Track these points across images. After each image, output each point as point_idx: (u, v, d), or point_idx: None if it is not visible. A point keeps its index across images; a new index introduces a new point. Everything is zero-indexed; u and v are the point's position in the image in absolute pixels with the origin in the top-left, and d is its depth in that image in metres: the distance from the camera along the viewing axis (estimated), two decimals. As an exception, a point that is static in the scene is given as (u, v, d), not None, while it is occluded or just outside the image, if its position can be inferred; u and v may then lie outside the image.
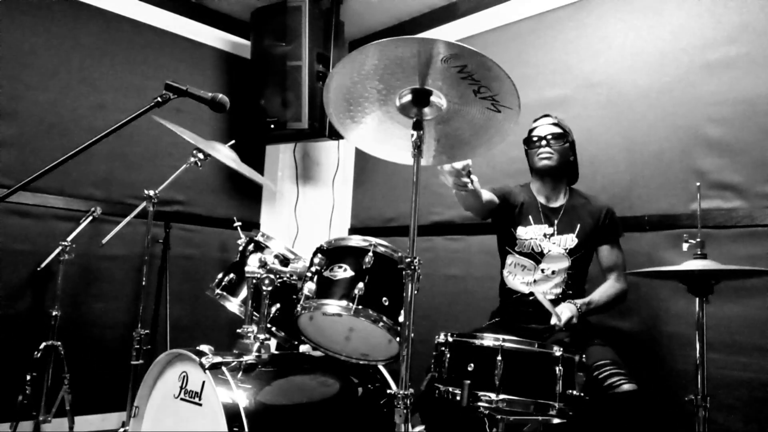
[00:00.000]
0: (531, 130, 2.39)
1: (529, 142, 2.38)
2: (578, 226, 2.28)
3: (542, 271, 2.28)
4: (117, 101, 3.23)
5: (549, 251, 2.28)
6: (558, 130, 2.33)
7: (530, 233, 2.32)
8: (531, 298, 2.24)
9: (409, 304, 1.48)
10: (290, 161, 4.09)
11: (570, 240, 2.27)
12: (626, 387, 1.85)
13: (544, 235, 2.30)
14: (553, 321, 1.99)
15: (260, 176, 2.68)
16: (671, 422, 2.30)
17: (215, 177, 3.66)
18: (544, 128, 2.35)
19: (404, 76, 1.54)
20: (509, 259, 2.37)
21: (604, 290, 2.23)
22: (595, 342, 2.10)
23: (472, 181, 2.00)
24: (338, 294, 1.88)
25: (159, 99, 1.67)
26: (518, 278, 2.32)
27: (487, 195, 2.30)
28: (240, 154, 2.65)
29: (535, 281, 2.28)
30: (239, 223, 2.54)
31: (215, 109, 1.84)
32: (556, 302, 2.18)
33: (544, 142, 2.32)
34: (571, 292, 2.25)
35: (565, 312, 2.01)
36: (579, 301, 2.11)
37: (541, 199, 2.38)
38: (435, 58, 1.45)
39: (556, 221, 2.31)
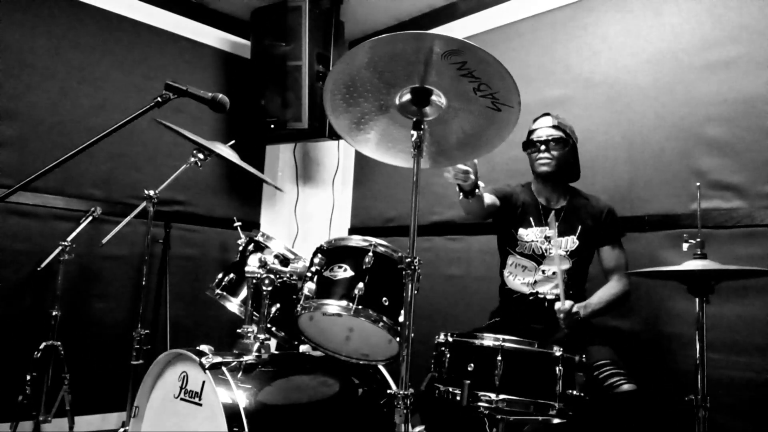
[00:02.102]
0: (530, 132, 2.37)
1: (529, 146, 2.35)
2: (579, 227, 2.28)
3: (543, 272, 2.28)
4: (117, 101, 3.23)
5: (550, 253, 2.27)
6: (558, 133, 2.30)
7: (531, 235, 2.31)
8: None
9: (409, 304, 1.48)
10: (290, 161, 4.09)
11: (571, 242, 2.27)
12: (626, 387, 1.85)
13: (545, 237, 2.29)
14: (557, 306, 1.98)
15: (264, 176, 2.69)
16: (671, 422, 2.30)
17: (215, 177, 3.66)
18: (544, 131, 2.31)
19: (404, 75, 1.54)
20: (510, 260, 2.36)
21: (604, 292, 2.21)
22: (595, 342, 2.10)
23: (479, 187, 1.99)
24: (338, 294, 1.88)
25: (159, 99, 1.67)
26: (519, 279, 2.32)
27: (488, 198, 2.29)
28: (240, 154, 2.66)
29: (535, 282, 2.28)
30: (239, 223, 2.55)
31: (215, 109, 1.84)
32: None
33: (543, 147, 2.29)
34: (571, 292, 2.25)
35: (567, 303, 1.98)
36: (577, 305, 2.10)
37: (542, 201, 2.37)
38: (434, 56, 1.45)
39: (557, 223, 2.30)
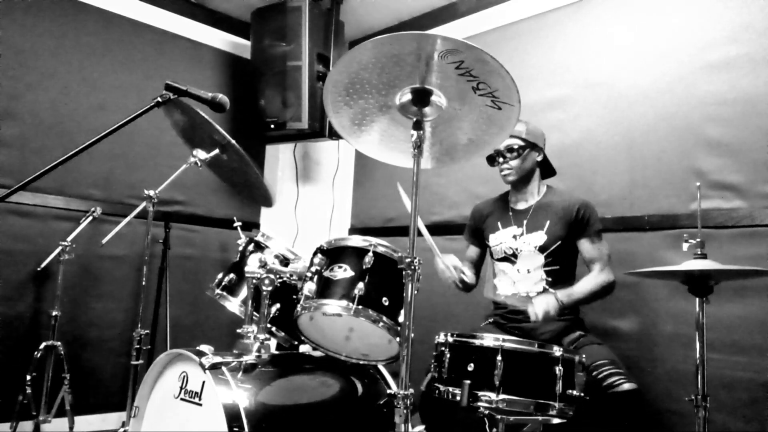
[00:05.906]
0: None
1: (489, 159, 2.36)
2: (547, 223, 2.27)
3: (518, 271, 2.28)
4: (117, 101, 3.23)
5: (521, 251, 2.29)
6: (512, 142, 2.29)
7: (499, 238, 2.35)
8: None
9: (409, 304, 1.48)
10: (290, 161, 4.09)
11: (539, 237, 2.26)
12: (626, 386, 1.85)
13: (513, 237, 2.31)
14: (532, 318, 2.03)
15: (264, 179, 2.69)
16: (671, 422, 2.30)
17: (215, 177, 3.64)
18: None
19: (404, 75, 1.54)
20: (495, 269, 2.41)
21: (586, 282, 2.19)
22: (593, 342, 2.10)
23: (463, 272, 2.17)
24: (338, 294, 1.88)
25: (159, 99, 1.67)
26: (504, 283, 2.35)
27: (473, 254, 2.50)
28: (240, 154, 2.65)
29: (514, 282, 2.29)
30: (239, 223, 2.55)
31: (215, 109, 1.85)
32: None
33: (501, 159, 2.32)
34: (553, 290, 2.24)
35: (539, 305, 2.02)
36: (560, 292, 2.10)
37: (512, 204, 2.41)
38: (433, 56, 1.45)
39: (525, 221, 2.31)
